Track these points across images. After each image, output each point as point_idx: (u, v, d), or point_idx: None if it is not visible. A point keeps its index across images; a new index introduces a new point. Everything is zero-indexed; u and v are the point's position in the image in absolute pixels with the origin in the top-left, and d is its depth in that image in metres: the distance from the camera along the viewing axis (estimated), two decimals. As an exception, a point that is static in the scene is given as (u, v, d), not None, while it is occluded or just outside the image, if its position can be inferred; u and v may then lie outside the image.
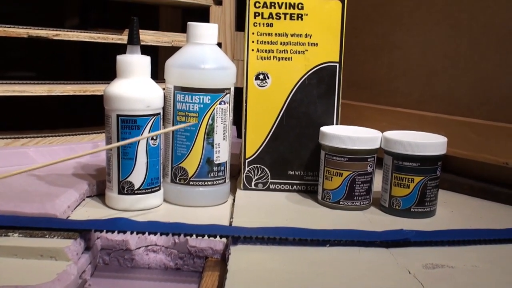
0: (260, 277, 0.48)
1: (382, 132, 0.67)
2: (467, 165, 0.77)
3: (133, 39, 0.63)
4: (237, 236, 0.54)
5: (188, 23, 0.65)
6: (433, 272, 0.50)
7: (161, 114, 0.64)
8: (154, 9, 1.09)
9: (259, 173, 0.72)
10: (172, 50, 0.73)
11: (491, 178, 0.75)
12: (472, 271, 0.51)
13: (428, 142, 0.64)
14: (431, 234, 0.57)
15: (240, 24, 0.96)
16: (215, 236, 0.54)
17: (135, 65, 0.63)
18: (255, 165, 0.72)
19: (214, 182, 0.67)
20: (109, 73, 0.68)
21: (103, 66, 1.12)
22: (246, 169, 0.72)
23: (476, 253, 0.55)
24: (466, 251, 0.56)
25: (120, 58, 0.63)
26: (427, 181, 0.64)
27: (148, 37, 0.87)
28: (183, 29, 0.73)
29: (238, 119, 0.73)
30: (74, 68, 1.27)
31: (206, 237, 0.54)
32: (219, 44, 0.99)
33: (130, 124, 0.62)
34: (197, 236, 0.54)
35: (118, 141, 0.62)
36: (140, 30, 0.87)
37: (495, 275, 0.50)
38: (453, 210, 0.69)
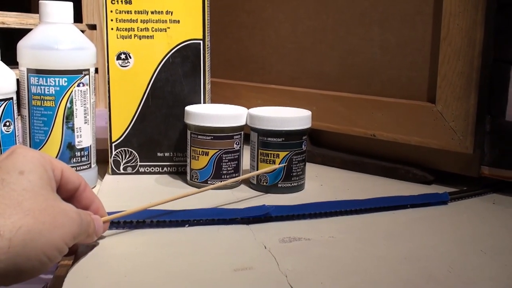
0: (105, 263, 0.46)
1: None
2: (339, 139, 0.78)
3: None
4: (91, 221, 0.52)
5: (40, 1, 0.62)
6: (289, 245, 0.50)
7: (14, 98, 0.61)
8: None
9: (127, 156, 0.70)
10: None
11: (361, 151, 0.76)
12: (328, 242, 0.51)
13: (291, 117, 0.64)
14: (291, 208, 0.57)
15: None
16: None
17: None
18: (122, 148, 0.69)
19: (78, 168, 0.64)
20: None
21: None
22: (114, 152, 0.70)
23: (335, 224, 0.56)
24: (326, 223, 0.56)
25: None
26: (292, 156, 0.64)
27: (10, 19, 0.82)
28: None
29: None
30: None
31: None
32: (93, 26, 0.96)
33: (-23, 110, 0.58)
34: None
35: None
36: (1, 12, 0.83)
37: (349, 244, 0.51)
38: (322, 183, 0.69)
